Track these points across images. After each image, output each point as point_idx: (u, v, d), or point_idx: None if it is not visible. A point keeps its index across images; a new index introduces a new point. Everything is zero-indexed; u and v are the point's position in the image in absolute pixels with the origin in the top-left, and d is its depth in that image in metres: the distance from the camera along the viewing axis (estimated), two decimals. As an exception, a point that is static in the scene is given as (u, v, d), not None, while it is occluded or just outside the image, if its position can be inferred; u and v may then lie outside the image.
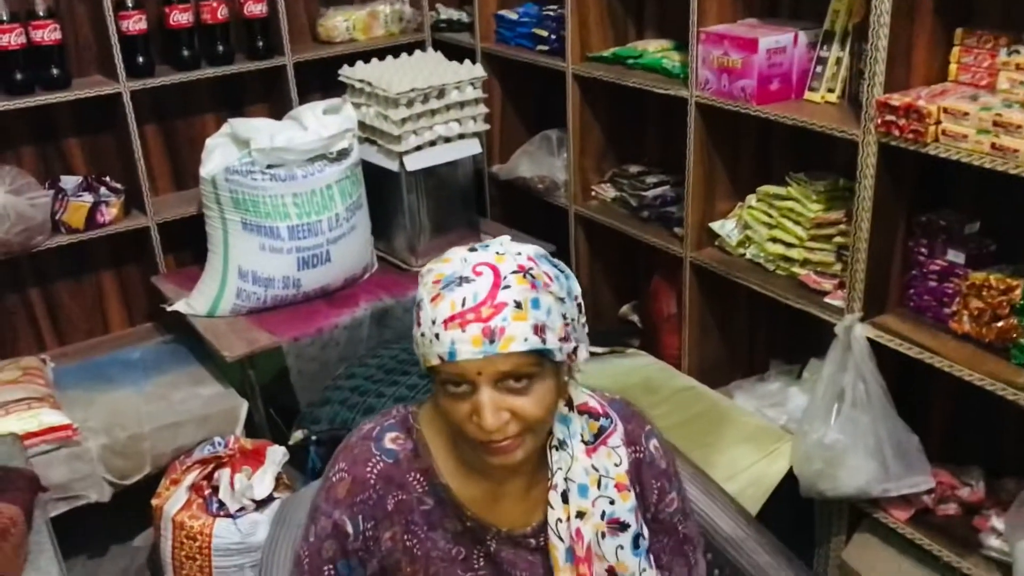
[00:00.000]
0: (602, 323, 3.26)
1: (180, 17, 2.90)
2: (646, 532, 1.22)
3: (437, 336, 1.04)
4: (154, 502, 2.40)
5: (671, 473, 1.27)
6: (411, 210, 2.86)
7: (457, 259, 1.09)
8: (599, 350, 2.77)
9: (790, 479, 2.26)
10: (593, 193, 3.03)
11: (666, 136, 2.94)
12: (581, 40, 2.83)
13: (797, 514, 2.39)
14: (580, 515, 1.17)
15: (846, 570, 2.31)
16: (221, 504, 2.34)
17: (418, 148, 2.80)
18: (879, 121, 1.90)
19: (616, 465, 1.20)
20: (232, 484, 2.35)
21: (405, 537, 1.18)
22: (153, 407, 2.60)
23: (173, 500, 2.36)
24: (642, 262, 3.10)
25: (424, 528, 1.18)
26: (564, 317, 1.09)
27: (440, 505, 1.19)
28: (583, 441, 1.20)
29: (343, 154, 2.70)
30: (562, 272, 1.13)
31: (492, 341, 1.02)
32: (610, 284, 3.25)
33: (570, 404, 1.21)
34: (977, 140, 1.75)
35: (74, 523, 2.42)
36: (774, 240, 2.39)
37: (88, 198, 2.85)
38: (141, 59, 2.84)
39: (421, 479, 1.19)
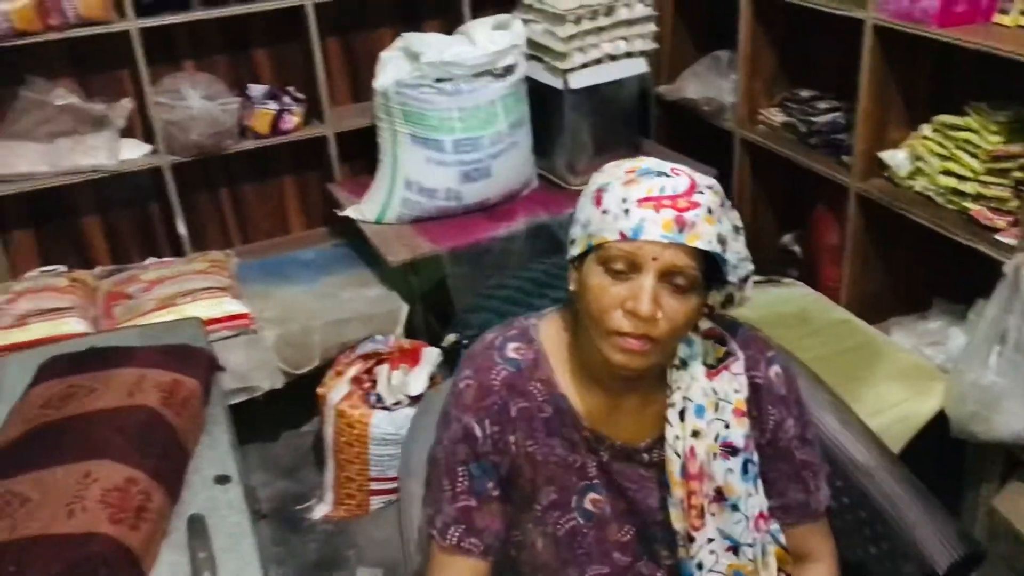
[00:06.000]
0: (762, 252, 3.20)
1: (362, -68, 3.00)
2: (756, 458, 1.23)
3: (626, 212, 1.07)
4: (319, 391, 2.60)
5: (791, 400, 1.26)
6: (573, 128, 2.88)
7: (649, 161, 1.13)
8: (755, 277, 2.74)
9: (944, 421, 2.19)
10: (760, 117, 2.96)
11: (842, 60, 2.81)
12: (757, -44, 2.75)
13: (948, 458, 2.32)
14: (695, 434, 1.19)
15: (996, 518, 2.23)
16: (379, 397, 2.51)
17: (584, 66, 2.81)
18: (1072, 47, 1.78)
19: (736, 392, 1.21)
20: (390, 379, 2.52)
21: (527, 442, 1.23)
22: (323, 304, 2.78)
23: (336, 390, 2.54)
24: (807, 191, 3.01)
25: (543, 434, 1.23)
26: (739, 250, 1.14)
27: (559, 414, 1.23)
28: (705, 364, 1.22)
29: (509, 70, 2.75)
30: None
31: (682, 230, 1.06)
32: (773, 212, 3.18)
33: (695, 329, 1.23)
34: None
35: (253, 412, 2.64)
36: (947, 172, 2.28)
37: (273, 106, 3.04)
38: (325, -27, 2.96)
39: (541, 388, 1.23)
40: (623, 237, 1.07)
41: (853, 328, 2.52)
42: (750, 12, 2.79)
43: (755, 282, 2.77)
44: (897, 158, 2.42)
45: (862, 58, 2.34)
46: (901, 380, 2.28)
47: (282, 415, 2.90)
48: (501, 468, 1.23)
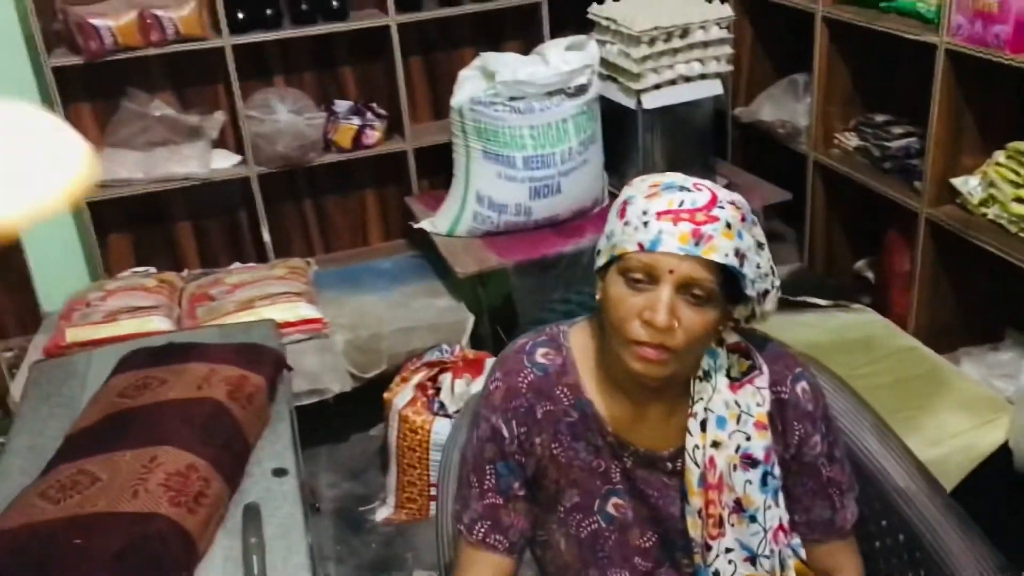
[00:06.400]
0: (835, 277, 3.17)
1: (447, -45, 3.10)
2: (777, 471, 1.24)
3: (645, 224, 1.10)
4: (385, 395, 2.69)
5: (817, 416, 1.27)
6: (645, 148, 2.92)
7: (675, 176, 1.17)
8: (822, 302, 2.72)
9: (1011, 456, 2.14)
10: (835, 141, 2.94)
11: (917, 85, 2.78)
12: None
13: (1018, 494, 2.26)
14: (715, 444, 1.22)
15: (1063, 557, 2.16)
16: (441, 405, 2.58)
17: (657, 87, 2.84)
18: None
19: (758, 405, 1.23)
20: (452, 388, 2.58)
21: (552, 445, 1.27)
22: (394, 312, 2.87)
23: (401, 395, 2.62)
24: (881, 216, 2.98)
25: (568, 438, 1.27)
26: (760, 264, 1.16)
27: (584, 419, 1.26)
28: (729, 376, 1.24)
29: (581, 90, 2.80)
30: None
31: (697, 244, 1.09)
32: (847, 237, 3.15)
33: (720, 342, 1.26)
34: None
35: (324, 414, 2.75)
36: (1020, 200, 2.24)
37: (356, 121, 3.16)
38: (411, -6, 3.08)
39: (568, 393, 1.26)
40: (641, 248, 1.11)
41: (920, 356, 2.48)
42: (825, 36, 2.79)
43: (822, 307, 2.77)
44: (969, 185, 2.38)
45: (934, 83, 2.31)
46: (965, 410, 2.24)
47: (352, 417, 3.00)
48: (527, 468, 1.27)
